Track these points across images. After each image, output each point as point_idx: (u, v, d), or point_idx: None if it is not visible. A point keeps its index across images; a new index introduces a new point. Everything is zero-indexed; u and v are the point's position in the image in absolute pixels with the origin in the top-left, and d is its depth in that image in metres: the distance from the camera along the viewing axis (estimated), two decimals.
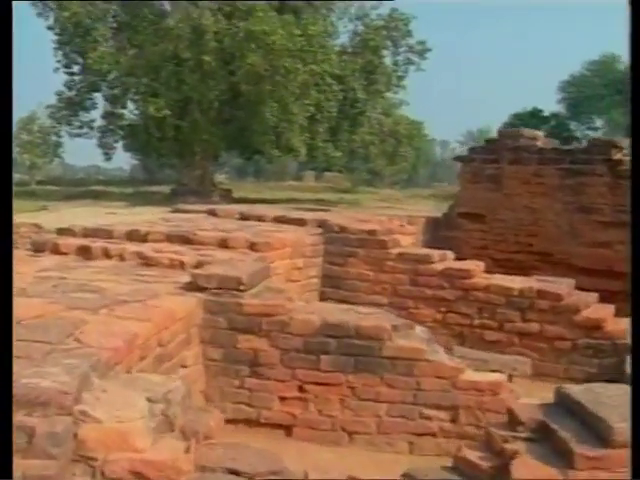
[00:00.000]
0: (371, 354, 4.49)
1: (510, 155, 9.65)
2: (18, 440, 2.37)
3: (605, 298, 6.59)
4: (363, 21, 22.65)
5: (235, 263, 5.25)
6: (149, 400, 2.78)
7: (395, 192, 27.56)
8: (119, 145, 21.85)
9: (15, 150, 30.34)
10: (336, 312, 4.77)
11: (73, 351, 3.10)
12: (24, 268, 5.11)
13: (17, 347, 2.94)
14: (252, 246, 6.18)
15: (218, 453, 2.87)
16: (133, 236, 6.38)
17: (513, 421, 3.22)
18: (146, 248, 5.87)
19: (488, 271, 6.88)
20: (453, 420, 4.48)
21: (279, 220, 7.74)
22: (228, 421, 4.50)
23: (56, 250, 5.96)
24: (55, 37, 19.54)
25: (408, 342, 4.52)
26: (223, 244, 6.20)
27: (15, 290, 3.53)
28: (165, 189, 21.91)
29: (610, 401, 2.94)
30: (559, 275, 7.29)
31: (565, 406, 3.23)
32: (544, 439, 3.09)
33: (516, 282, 6.46)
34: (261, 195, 21.52)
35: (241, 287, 4.67)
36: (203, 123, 19.09)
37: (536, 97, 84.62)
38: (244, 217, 8.08)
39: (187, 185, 20.18)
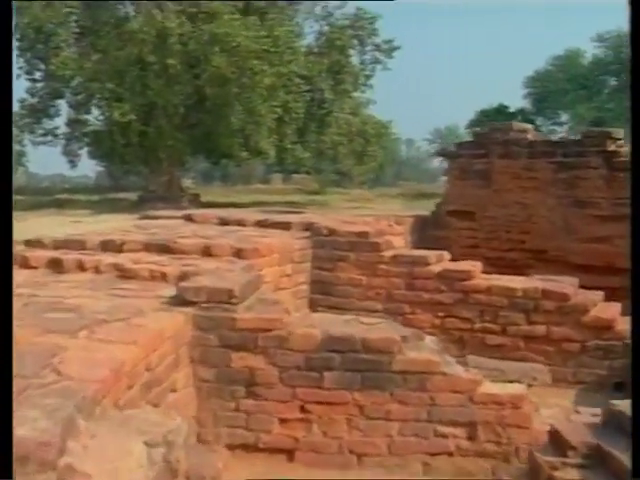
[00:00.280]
0: (380, 369, 4.09)
1: (499, 149, 9.31)
2: None
3: (606, 295, 6.30)
4: (328, 21, 22.56)
5: (223, 273, 4.81)
6: (147, 444, 2.34)
7: (365, 192, 27.43)
8: (84, 152, 21.48)
9: None
10: (338, 324, 4.36)
11: (52, 386, 2.63)
12: None
13: None
14: (238, 253, 5.73)
15: None
16: (108, 246, 5.87)
17: (561, 445, 2.85)
18: (123, 259, 5.38)
19: (482, 271, 6.54)
20: (471, 437, 4.09)
21: (262, 224, 7.28)
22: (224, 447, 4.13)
23: (25, 264, 5.43)
24: (16, 43, 18.94)
25: (419, 354, 4.13)
26: (206, 252, 5.74)
27: None
28: (132, 196, 21.47)
29: None
30: (555, 273, 6.99)
31: (616, 424, 2.88)
32: (598, 464, 2.74)
33: (518, 282, 6.12)
34: (229, 199, 21.20)
35: (233, 300, 4.22)
36: (168, 128, 18.76)
37: (502, 93, 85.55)
38: (223, 222, 7.61)
39: (154, 191, 19.81)
